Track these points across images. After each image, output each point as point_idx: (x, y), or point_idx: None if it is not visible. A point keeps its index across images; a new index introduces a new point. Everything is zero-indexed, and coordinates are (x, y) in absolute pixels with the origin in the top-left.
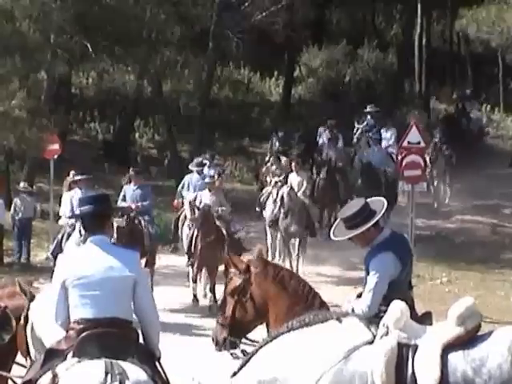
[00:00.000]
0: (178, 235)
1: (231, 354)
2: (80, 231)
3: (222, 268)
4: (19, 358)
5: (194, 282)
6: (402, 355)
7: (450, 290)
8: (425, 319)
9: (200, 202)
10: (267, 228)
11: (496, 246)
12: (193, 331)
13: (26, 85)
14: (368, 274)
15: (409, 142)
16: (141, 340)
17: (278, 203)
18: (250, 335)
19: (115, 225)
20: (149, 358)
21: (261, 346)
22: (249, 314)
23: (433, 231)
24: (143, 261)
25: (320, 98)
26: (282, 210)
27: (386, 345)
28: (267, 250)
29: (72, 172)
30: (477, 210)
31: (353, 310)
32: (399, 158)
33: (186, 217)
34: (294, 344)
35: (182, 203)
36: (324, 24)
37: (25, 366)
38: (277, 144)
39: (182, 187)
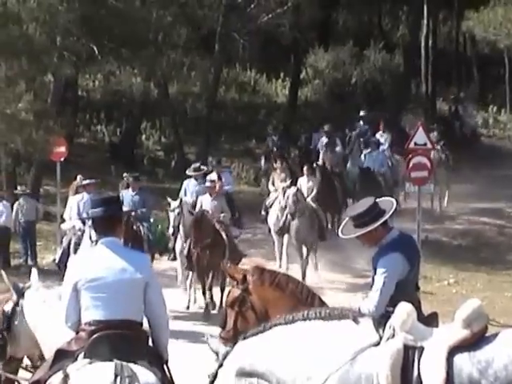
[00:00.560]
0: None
1: None
2: (90, 237)
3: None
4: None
5: (190, 287)
6: (408, 357)
7: (457, 291)
8: (431, 320)
9: (200, 207)
10: (273, 234)
11: (503, 247)
12: (191, 335)
13: (32, 87)
14: (375, 273)
15: (415, 144)
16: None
17: (285, 208)
18: None
19: None
20: (158, 360)
21: (272, 326)
22: (251, 323)
23: (440, 233)
24: None
25: (326, 100)
26: (289, 211)
27: (392, 347)
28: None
29: (79, 176)
30: (484, 212)
31: (359, 310)
32: (406, 159)
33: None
34: (301, 338)
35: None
36: (330, 25)
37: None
38: (273, 147)
39: (185, 193)
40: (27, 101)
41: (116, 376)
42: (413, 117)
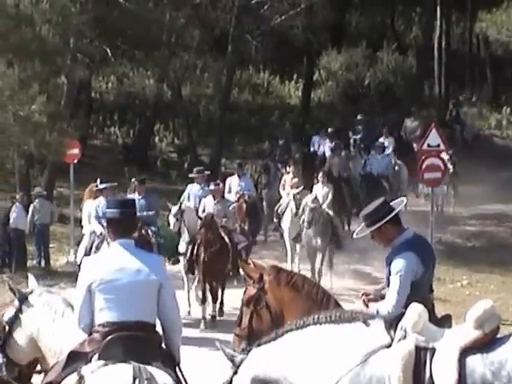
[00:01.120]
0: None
1: None
2: (108, 242)
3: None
4: None
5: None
6: (420, 359)
7: (471, 292)
8: (444, 322)
9: (203, 211)
10: (286, 240)
11: None
12: (203, 342)
13: (46, 89)
14: (390, 274)
15: (428, 145)
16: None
17: (301, 214)
18: None
19: None
20: (171, 362)
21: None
22: (265, 322)
23: (453, 235)
24: None
25: (339, 101)
26: (306, 219)
27: (404, 348)
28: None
29: (98, 180)
30: (497, 213)
31: (377, 312)
32: (419, 161)
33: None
34: (313, 343)
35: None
36: (343, 27)
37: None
38: (278, 152)
39: (188, 197)
40: (41, 103)
41: (135, 379)
42: (413, 120)
